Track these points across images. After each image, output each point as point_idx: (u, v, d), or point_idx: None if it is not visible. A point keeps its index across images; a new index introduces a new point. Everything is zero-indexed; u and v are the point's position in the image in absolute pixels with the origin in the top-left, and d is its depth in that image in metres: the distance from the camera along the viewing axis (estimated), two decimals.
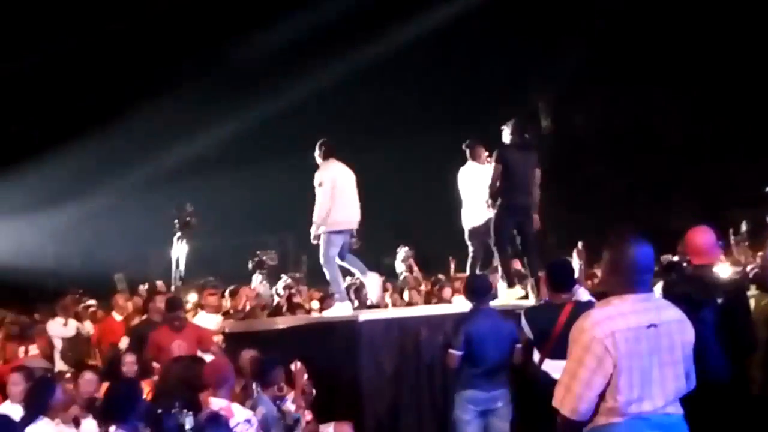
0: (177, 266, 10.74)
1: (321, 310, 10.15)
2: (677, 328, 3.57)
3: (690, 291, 5.31)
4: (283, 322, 8.50)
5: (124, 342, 9.12)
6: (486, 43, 19.93)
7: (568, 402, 3.44)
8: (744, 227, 9.04)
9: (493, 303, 7.16)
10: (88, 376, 6.89)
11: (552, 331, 5.70)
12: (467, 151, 9.48)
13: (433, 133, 18.59)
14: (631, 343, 3.39)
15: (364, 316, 7.83)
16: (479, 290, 6.72)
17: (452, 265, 12.06)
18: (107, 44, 18.26)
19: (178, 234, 10.60)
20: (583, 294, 6.35)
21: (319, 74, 19.70)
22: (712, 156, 20.56)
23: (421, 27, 19.90)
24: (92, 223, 19.15)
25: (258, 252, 12.72)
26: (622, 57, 19.59)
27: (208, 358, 7.20)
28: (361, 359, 7.24)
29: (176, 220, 10.61)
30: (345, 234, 8.34)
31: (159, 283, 11.78)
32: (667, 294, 5.41)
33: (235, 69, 19.46)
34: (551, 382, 3.87)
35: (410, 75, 20.65)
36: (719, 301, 5.37)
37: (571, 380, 3.44)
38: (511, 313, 6.85)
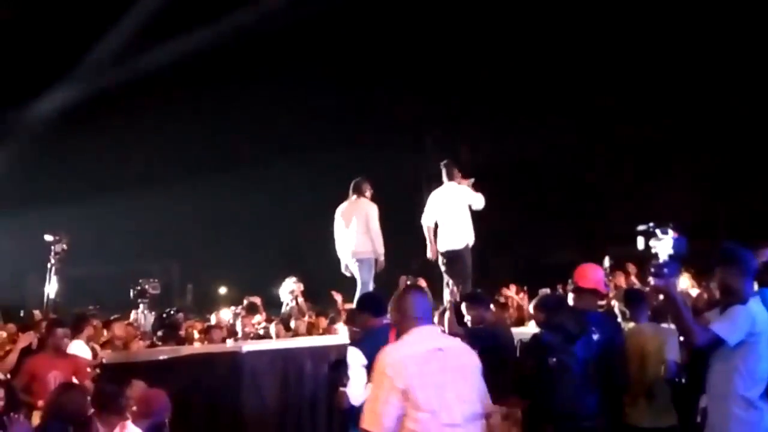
0: (51, 296, 10.30)
1: (202, 340, 9.99)
2: (461, 351, 4.19)
3: (566, 323, 5.46)
4: (164, 353, 8.30)
5: None
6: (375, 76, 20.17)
7: (374, 422, 3.89)
8: (606, 262, 9.35)
9: None
10: None
11: None
12: (444, 171, 9.42)
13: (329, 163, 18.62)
14: (421, 364, 3.94)
15: (248, 347, 7.74)
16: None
17: (339, 298, 11.52)
18: None
19: (52, 262, 10.20)
20: None
21: (196, 104, 19.46)
22: (591, 194, 21.38)
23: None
24: None
25: (140, 280, 12.33)
26: (507, 93, 20.13)
27: None
28: (243, 391, 7.15)
29: (52, 248, 10.21)
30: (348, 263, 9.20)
31: (36, 313, 11.27)
32: (546, 323, 5.59)
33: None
34: None
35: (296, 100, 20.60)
36: (595, 337, 5.48)
37: (374, 402, 3.94)
38: None
